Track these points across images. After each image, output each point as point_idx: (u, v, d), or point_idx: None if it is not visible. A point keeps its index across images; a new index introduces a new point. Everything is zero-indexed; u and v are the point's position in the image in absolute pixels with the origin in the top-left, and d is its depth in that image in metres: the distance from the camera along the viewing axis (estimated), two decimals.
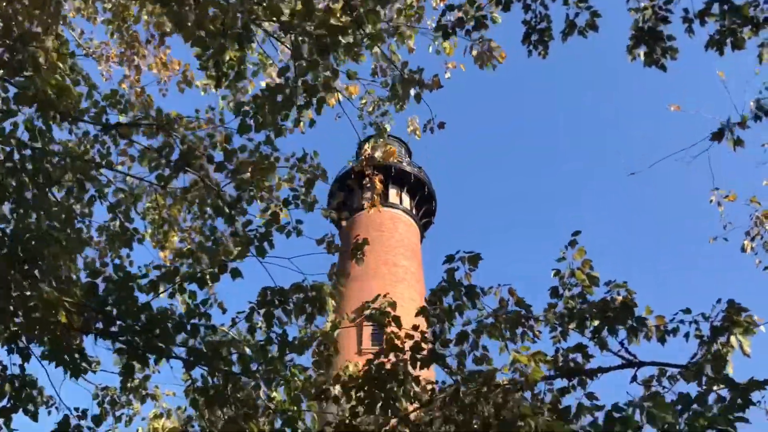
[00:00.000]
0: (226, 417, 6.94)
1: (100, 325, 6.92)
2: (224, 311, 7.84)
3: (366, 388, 4.85)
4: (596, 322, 4.75)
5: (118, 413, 9.94)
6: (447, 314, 4.77)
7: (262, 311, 7.09)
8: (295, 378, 6.48)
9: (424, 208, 39.87)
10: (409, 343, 4.95)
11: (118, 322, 6.89)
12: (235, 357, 7.08)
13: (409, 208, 39.03)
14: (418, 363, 4.89)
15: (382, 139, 9.53)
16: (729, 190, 7.90)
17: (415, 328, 4.95)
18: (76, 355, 6.92)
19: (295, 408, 6.68)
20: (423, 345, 4.90)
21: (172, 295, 6.99)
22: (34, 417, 7.46)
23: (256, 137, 7.71)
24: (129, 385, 9.36)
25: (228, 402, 6.91)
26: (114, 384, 9.66)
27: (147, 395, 9.55)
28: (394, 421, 4.78)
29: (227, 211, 6.87)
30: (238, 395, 6.72)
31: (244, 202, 6.97)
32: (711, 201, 7.95)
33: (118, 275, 6.68)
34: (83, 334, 6.73)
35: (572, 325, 4.89)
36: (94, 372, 7.21)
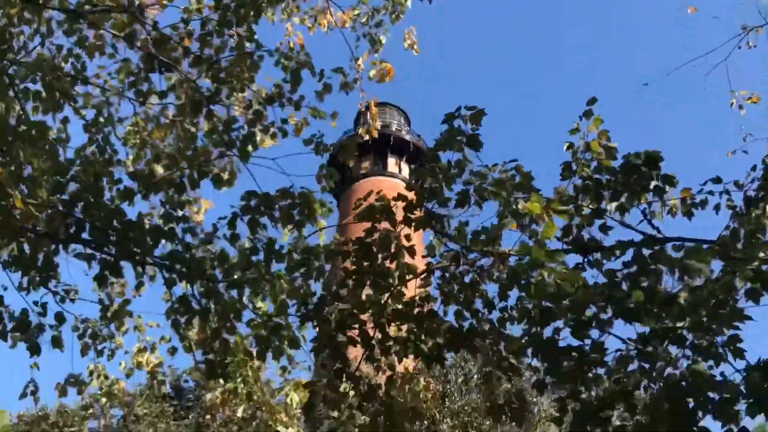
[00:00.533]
0: (208, 330, 6.42)
1: (71, 233, 6.40)
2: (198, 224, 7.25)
3: (355, 260, 4.31)
4: (616, 186, 4.19)
5: (100, 347, 9.45)
6: (446, 172, 4.21)
7: (246, 218, 6.55)
8: (282, 283, 5.93)
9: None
10: (401, 205, 4.39)
11: (89, 229, 6.39)
12: (216, 268, 6.58)
13: (408, 177, 38.43)
14: (413, 225, 4.34)
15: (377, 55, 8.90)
16: (752, 92, 7.31)
17: (410, 189, 4.38)
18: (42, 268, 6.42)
19: (282, 318, 6.14)
20: (416, 210, 4.34)
21: (146, 196, 6.42)
22: (2, 336, 6.96)
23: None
24: (109, 314, 8.88)
25: (209, 314, 6.40)
26: (94, 315, 9.17)
27: (128, 328, 9.07)
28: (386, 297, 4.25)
29: (205, 104, 6.29)
30: (220, 305, 6.20)
31: (223, 96, 6.38)
32: (732, 104, 7.36)
33: (87, 177, 6.14)
34: (50, 240, 6.21)
35: (587, 201, 4.32)
36: (57, 281, 6.64)
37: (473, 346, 4.24)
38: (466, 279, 4.37)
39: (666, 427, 3.44)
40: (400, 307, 4.27)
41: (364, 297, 4.22)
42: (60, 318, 6.49)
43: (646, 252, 3.78)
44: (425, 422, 16.58)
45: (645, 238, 4.27)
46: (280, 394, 8.20)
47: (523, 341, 3.87)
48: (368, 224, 4.60)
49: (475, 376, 17.95)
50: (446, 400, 16.81)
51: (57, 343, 6.57)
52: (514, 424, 4.62)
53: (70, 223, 6.21)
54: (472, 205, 4.21)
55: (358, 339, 4.30)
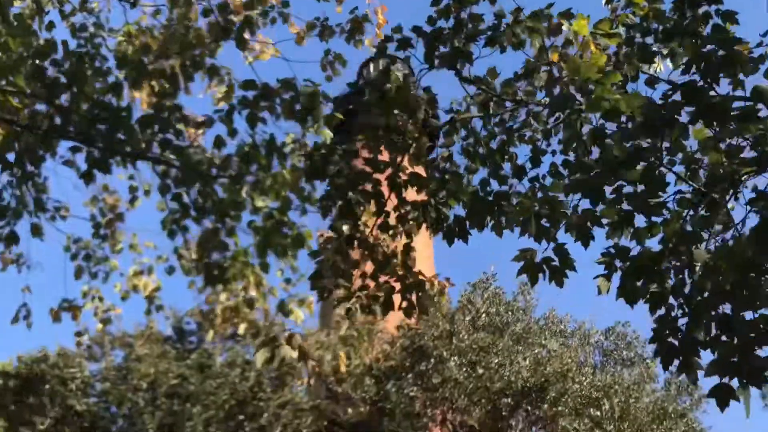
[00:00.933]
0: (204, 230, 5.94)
1: (55, 125, 5.87)
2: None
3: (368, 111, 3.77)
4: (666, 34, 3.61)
5: (94, 269, 9.02)
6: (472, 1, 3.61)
7: (244, 112, 6.00)
8: (284, 175, 5.42)
9: (427, 131, 38.26)
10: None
11: (75, 123, 5.85)
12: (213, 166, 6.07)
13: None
14: (435, 63, 3.77)
15: None
16: None
17: (431, 22, 3.80)
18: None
19: (285, 216, 5.64)
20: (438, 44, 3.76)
21: (135, 85, 5.85)
22: None
23: None
24: (101, 230, 8.41)
25: (206, 213, 5.91)
26: (87, 235, 8.70)
27: (122, 248, 8.61)
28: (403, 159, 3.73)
29: None
30: (216, 203, 5.69)
31: None
32: None
33: (70, 60, 5.57)
34: (30, 130, 5.68)
35: (633, 49, 3.74)
36: (39, 177, 6.13)
37: (501, 210, 3.73)
38: (493, 144, 3.84)
39: (729, 287, 2.97)
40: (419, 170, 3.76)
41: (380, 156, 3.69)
42: (39, 205, 5.99)
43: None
44: (432, 361, 16.28)
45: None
46: (283, 311, 7.72)
47: (566, 182, 3.35)
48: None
49: (483, 316, 17.61)
50: (453, 338, 16.47)
51: (36, 231, 6.07)
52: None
53: (53, 114, 5.69)
54: (505, 46, 3.63)
55: (373, 196, 3.76)
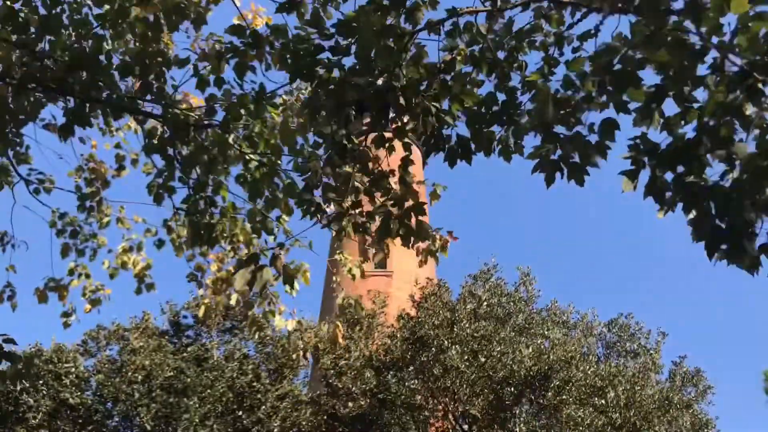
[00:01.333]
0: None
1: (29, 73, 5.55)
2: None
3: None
4: None
5: (81, 246, 8.68)
6: None
7: (233, 62, 5.69)
8: (274, 116, 5.09)
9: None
10: None
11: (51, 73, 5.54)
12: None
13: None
14: None
15: None
16: None
17: None
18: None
19: (274, 157, 5.29)
20: None
21: (115, 32, 5.53)
22: None
23: None
24: (88, 203, 8.08)
25: (192, 165, 5.57)
26: (72, 210, 8.36)
27: (110, 221, 8.28)
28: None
29: None
30: (203, 153, 5.35)
31: None
32: None
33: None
34: (3, 80, 5.36)
35: None
36: (17, 131, 5.81)
37: (511, 118, 3.40)
38: (501, 55, 3.50)
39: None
40: (419, 71, 3.41)
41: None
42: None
43: None
44: (432, 350, 15.94)
45: None
46: (276, 281, 7.40)
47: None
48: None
49: (485, 304, 17.28)
50: (455, 327, 16.13)
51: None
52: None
53: (26, 62, 5.38)
54: None
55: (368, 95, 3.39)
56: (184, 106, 6.34)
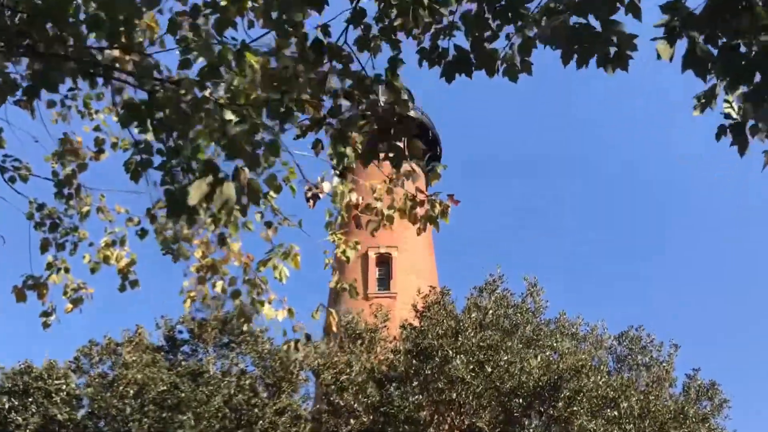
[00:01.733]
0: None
1: None
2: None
3: None
4: None
5: (61, 240, 8.18)
6: None
7: (213, 17, 5.23)
8: (254, 63, 4.61)
9: (429, 154, 37.66)
10: None
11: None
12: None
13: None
14: None
15: None
16: None
17: None
18: None
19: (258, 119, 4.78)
20: None
21: None
22: None
23: None
24: (66, 190, 7.59)
25: (169, 129, 5.08)
26: (49, 200, 7.87)
27: (89, 209, 7.79)
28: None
29: None
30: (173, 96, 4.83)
31: None
32: None
33: None
34: None
35: None
36: None
37: (520, 15, 2.89)
38: None
39: None
40: None
41: None
42: None
43: None
44: (436, 360, 15.32)
45: None
46: (265, 266, 6.89)
47: None
48: None
49: (490, 313, 16.68)
50: (459, 336, 15.51)
51: None
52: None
53: None
54: None
55: None
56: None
